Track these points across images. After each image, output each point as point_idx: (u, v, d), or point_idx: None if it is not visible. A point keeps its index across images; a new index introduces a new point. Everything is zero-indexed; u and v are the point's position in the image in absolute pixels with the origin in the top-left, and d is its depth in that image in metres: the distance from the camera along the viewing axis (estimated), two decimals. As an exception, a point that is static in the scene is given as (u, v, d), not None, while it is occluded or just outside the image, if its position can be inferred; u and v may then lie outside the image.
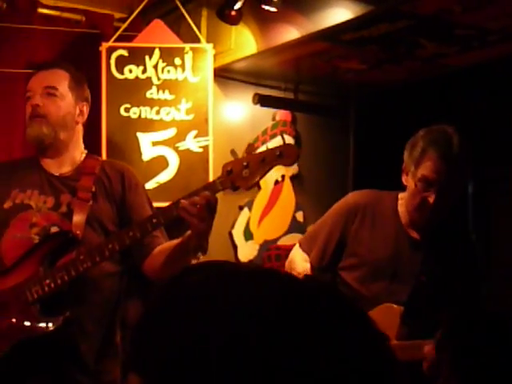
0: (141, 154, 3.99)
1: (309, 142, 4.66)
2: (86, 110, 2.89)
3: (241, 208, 4.37)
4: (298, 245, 3.00)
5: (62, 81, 2.83)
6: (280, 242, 4.46)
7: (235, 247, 4.31)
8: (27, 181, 2.75)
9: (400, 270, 2.73)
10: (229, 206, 4.28)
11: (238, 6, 3.60)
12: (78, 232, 2.61)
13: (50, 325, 2.50)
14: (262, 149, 4.43)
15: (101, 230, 2.70)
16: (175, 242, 2.66)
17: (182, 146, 4.04)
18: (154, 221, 2.49)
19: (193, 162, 4.04)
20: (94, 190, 2.72)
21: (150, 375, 0.74)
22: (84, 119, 2.89)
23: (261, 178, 2.44)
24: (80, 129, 2.88)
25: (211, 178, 4.04)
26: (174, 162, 4.03)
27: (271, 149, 2.48)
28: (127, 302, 2.99)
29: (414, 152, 2.65)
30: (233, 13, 3.64)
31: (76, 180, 2.75)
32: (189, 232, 2.49)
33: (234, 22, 3.71)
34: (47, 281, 2.53)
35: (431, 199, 2.60)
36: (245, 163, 2.40)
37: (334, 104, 4.71)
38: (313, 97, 4.68)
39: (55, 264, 2.58)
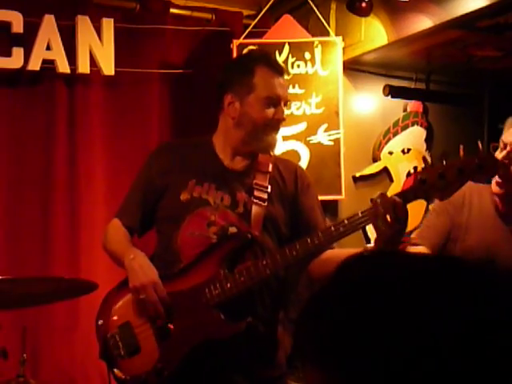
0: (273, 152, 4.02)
1: (441, 132, 4.58)
2: None
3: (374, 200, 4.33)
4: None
5: None
6: (414, 235, 4.37)
7: (368, 240, 4.27)
8: (203, 171, 2.65)
9: (498, 259, 2.63)
10: (361, 198, 4.25)
11: (368, -3, 3.57)
12: (256, 233, 2.53)
13: (234, 329, 2.47)
14: (394, 140, 4.39)
15: (274, 232, 2.61)
16: (349, 251, 2.55)
17: (313, 139, 4.05)
18: (341, 229, 2.37)
19: (324, 156, 4.04)
20: (269, 190, 2.61)
21: (350, 372, 0.74)
22: None
23: (457, 190, 2.25)
24: None
25: (343, 171, 4.03)
26: (305, 155, 4.05)
27: (469, 158, 2.23)
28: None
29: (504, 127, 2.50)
30: (363, 4, 3.62)
31: (251, 177, 2.63)
32: (371, 245, 2.39)
33: (364, 13, 3.68)
34: (229, 284, 2.47)
35: None
36: (440, 171, 2.19)
37: (467, 93, 4.60)
38: (445, 86, 4.59)
39: (234, 267, 2.51)
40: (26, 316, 3.66)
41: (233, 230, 2.56)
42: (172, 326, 2.52)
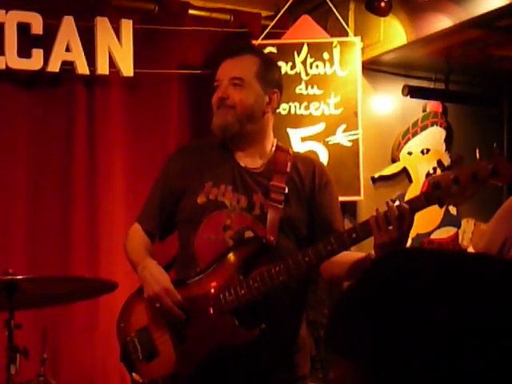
0: (291, 149, 4.01)
1: (460, 132, 4.56)
2: (276, 97, 2.68)
3: (393, 201, 4.31)
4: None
5: (249, 70, 2.64)
6: (433, 236, 4.38)
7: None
8: (219, 173, 2.63)
9: None
10: (380, 199, 4.23)
11: (388, -3, 3.57)
12: (271, 238, 2.50)
13: (247, 336, 2.44)
14: (413, 141, 4.38)
15: (292, 234, 2.58)
16: (357, 255, 2.49)
17: (332, 140, 4.05)
18: (354, 236, 2.31)
19: (343, 156, 4.04)
20: (286, 191, 2.57)
21: (379, 364, 0.74)
22: (274, 107, 2.68)
23: (472, 197, 2.15)
24: (270, 118, 2.68)
25: (361, 172, 4.02)
26: (323, 156, 4.04)
27: (483, 162, 2.13)
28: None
29: None
30: (382, 4, 3.61)
31: (268, 178, 2.60)
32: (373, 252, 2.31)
33: (383, 13, 3.67)
34: (243, 291, 2.44)
35: None
36: (453, 176, 2.12)
37: (486, 93, 4.58)
38: (464, 86, 4.57)
39: (249, 272, 2.49)
40: (47, 316, 3.69)
41: (249, 234, 2.54)
42: (188, 332, 2.51)
